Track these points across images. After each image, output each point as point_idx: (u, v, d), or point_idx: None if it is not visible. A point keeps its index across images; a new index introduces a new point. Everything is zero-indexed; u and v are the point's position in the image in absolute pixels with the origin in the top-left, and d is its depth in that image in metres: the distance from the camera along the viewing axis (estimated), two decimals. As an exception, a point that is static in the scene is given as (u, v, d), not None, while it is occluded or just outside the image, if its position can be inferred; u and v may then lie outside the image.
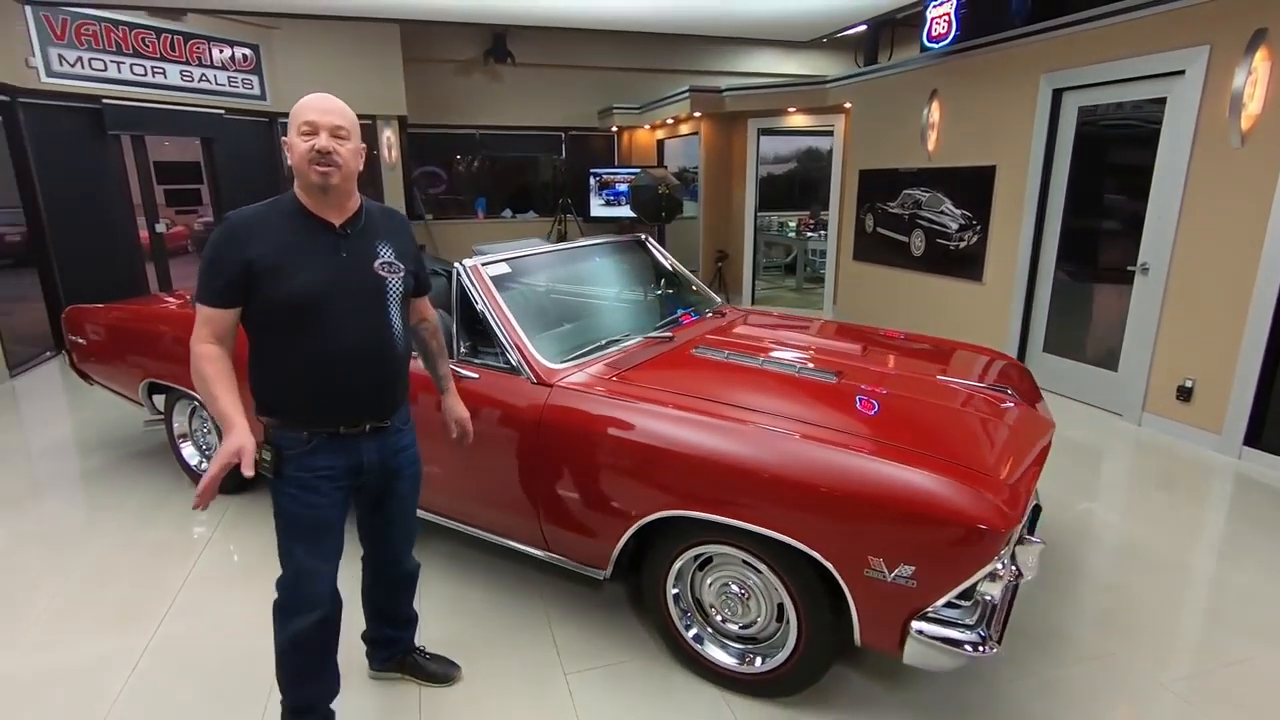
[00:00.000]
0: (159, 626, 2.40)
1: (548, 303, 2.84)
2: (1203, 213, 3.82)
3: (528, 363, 2.28)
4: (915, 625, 1.70)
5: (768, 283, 10.05)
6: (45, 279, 5.98)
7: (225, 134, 7.17)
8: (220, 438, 1.82)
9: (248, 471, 1.48)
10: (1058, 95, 4.66)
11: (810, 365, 2.40)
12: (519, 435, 2.23)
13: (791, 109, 7.36)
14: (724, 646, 2.11)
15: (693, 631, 2.13)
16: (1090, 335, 4.68)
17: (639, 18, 6.25)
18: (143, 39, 6.36)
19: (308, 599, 1.71)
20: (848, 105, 6.83)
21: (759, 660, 2.04)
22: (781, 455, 1.82)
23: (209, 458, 3.41)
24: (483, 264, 2.48)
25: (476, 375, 2.35)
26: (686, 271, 3.44)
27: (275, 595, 1.72)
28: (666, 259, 3.43)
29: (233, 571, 2.76)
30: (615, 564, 2.18)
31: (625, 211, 8.73)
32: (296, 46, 7.56)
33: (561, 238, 9.55)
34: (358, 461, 1.72)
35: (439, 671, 2.12)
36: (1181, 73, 3.88)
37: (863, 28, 6.51)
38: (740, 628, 2.07)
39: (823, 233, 8.35)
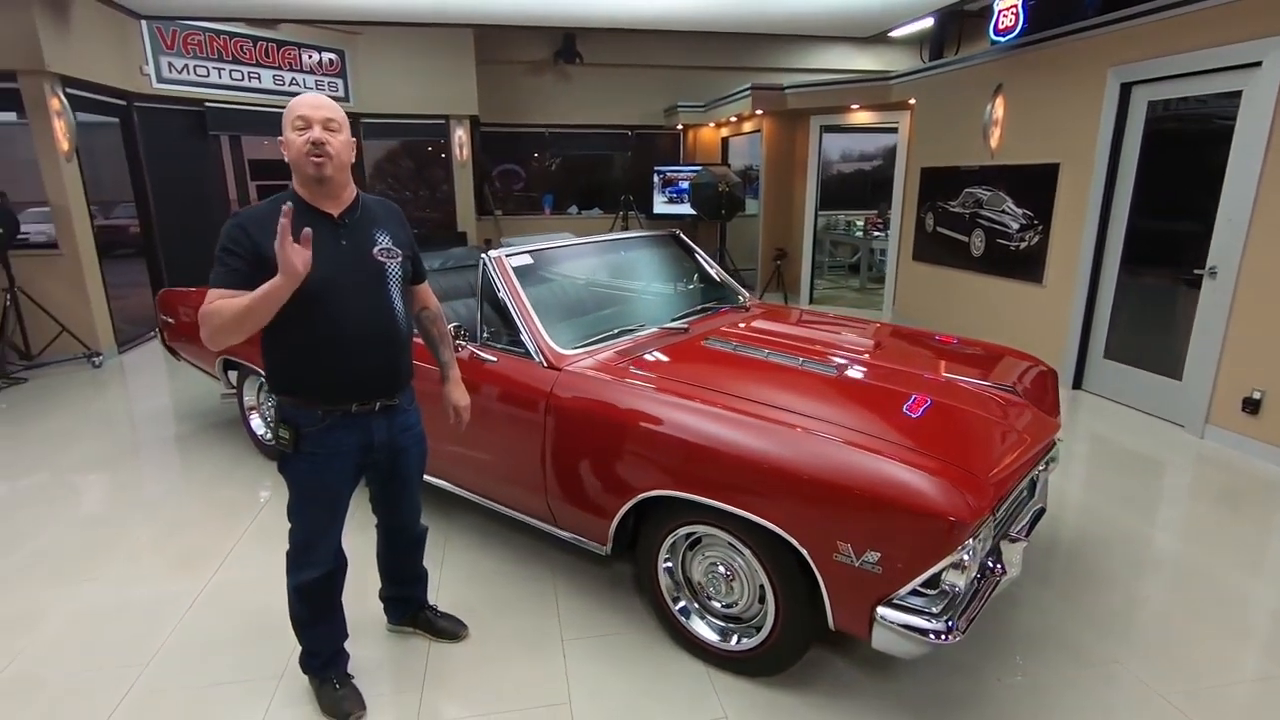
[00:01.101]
0: (214, 574, 2.70)
1: (569, 293, 2.99)
2: (1277, 215, 3.59)
3: (540, 348, 2.43)
4: (880, 611, 1.75)
5: (831, 282, 9.92)
6: (151, 265, 6.63)
7: (312, 134, 7.69)
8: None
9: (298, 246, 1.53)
10: (1126, 89, 4.44)
11: (813, 358, 2.45)
12: (530, 416, 2.38)
13: (855, 105, 7.26)
14: (709, 622, 2.19)
15: (680, 604, 2.23)
16: (1153, 342, 4.45)
17: (703, 17, 6.32)
18: (241, 46, 6.92)
19: (313, 559, 1.89)
20: (912, 101, 6.68)
21: (739, 638, 2.12)
22: (755, 440, 1.90)
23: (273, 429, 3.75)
24: (506, 255, 2.65)
25: (495, 359, 2.53)
26: (717, 267, 3.53)
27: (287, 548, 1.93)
28: (697, 254, 3.52)
29: (283, 530, 3.03)
30: (616, 541, 2.31)
31: (688, 209, 8.82)
32: (377, 51, 8.02)
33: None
34: (369, 439, 1.85)
35: (447, 629, 2.31)
36: (1258, 64, 3.64)
37: (928, 22, 6.36)
38: (723, 606, 2.16)
39: (888, 232, 8.19)
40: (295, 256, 1.54)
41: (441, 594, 2.55)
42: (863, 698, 2.06)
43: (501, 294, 2.54)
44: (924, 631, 1.70)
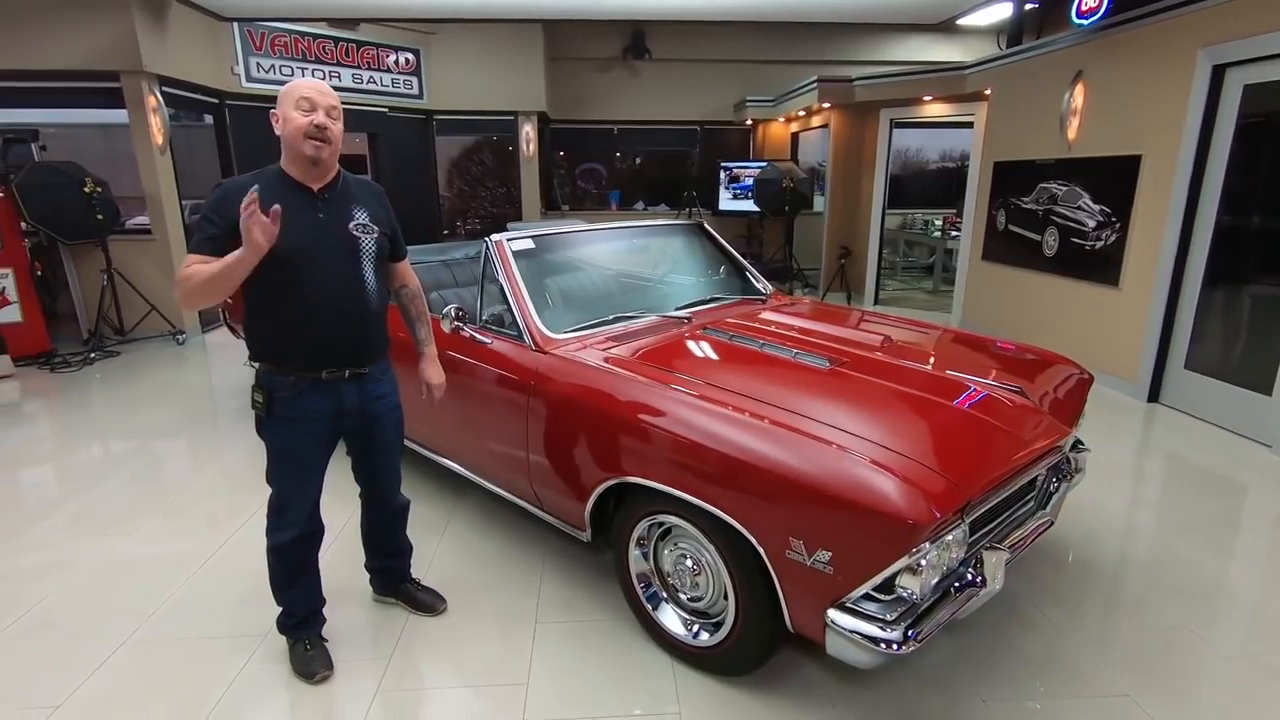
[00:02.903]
0: (233, 534, 2.87)
1: (574, 279, 2.98)
2: (1386, 209, 3.15)
3: (529, 330, 2.44)
4: (831, 614, 1.65)
5: (904, 283, 9.51)
6: (237, 252, 7.12)
7: (388, 129, 8.07)
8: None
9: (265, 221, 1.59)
10: (1218, 72, 4.01)
11: (810, 351, 2.34)
12: (516, 397, 2.40)
13: (927, 97, 6.91)
14: (676, 614, 2.14)
15: (649, 592, 2.19)
16: (1241, 353, 4.01)
17: (771, 8, 6.19)
18: (323, 47, 7.33)
19: (287, 520, 1.97)
20: (988, 92, 6.30)
21: (701, 632, 2.05)
22: (708, 427, 1.85)
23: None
24: (507, 239, 2.67)
25: (489, 340, 2.56)
26: (739, 258, 3.44)
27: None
28: (720, 245, 3.45)
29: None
30: (596, 527, 2.29)
31: (753, 205, 8.66)
32: (450, 49, 8.30)
33: (689, 230, 9.66)
34: (339, 405, 1.93)
35: (426, 601, 2.35)
36: (1371, 40, 3.21)
37: (1006, 10, 5.98)
38: (689, 599, 2.10)
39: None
40: (257, 229, 1.60)
41: (433, 568, 2.61)
42: (829, 706, 1.95)
43: (499, 277, 2.57)
44: (875, 639, 1.59)
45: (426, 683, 2.04)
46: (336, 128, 1.82)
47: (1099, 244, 4.90)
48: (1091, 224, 4.96)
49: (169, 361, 5.59)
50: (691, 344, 2.46)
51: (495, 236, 2.67)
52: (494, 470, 2.67)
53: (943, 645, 2.19)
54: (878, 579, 1.59)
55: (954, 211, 8.83)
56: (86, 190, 5.38)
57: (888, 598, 1.64)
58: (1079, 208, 5.07)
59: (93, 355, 5.50)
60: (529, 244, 2.72)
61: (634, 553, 2.19)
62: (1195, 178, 4.17)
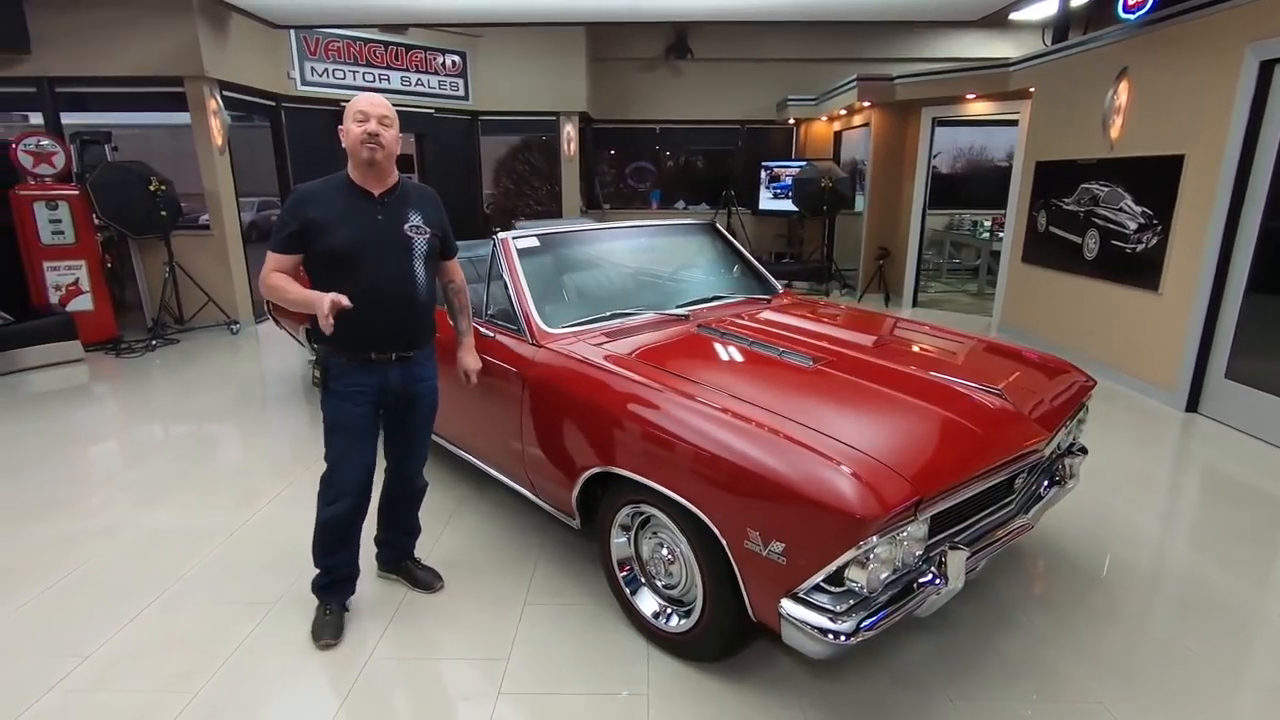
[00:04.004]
0: (260, 510, 3.08)
1: (577, 276, 3.07)
2: None
3: (527, 324, 2.55)
4: (784, 604, 1.70)
5: (951, 285, 9.30)
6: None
7: (435, 130, 8.35)
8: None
9: (345, 302, 1.88)
10: (1266, 68, 3.84)
11: (798, 350, 2.37)
12: (512, 389, 2.51)
13: (970, 95, 6.77)
14: (654, 600, 2.21)
15: (630, 576, 2.27)
16: (1285, 362, 3.83)
17: (812, 6, 6.15)
18: (374, 51, 7.64)
19: (340, 487, 2.15)
20: (1032, 90, 6.12)
21: (676, 619, 2.12)
22: (674, 418, 1.92)
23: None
24: (513, 237, 2.79)
25: (493, 334, 2.68)
26: (752, 260, 3.48)
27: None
28: (732, 245, 3.50)
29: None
30: (585, 515, 2.38)
31: (793, 205, 8.62)
32: (495, 51, 8.53)
33: (730, 230, 9.67)
34: (384, 382, 2.15)
35: (423, 579, 2.49)
36: None
37: (1052, 7, 5.81)
38: (664, 585, 2.17)
39: (1008, 233, 7.54)
40: (326, 309, 1.86)
41: (436, 548, 2.75)
42: (797, 697, 1.99)
43: (503, 273, 2.69)
44: (823, 630, 1.64)
45: (415, 653, 2.18)
46: (389, 134, 2.03)
47: (1139, 247, 4.73)
48: (1133, 226, 4.79)
49: (223, 349, 5.95)
50: (682, 341, 2.53)
51: (502, 234, 2.79)
52: (496, 458, 2.80)
53: (921, 644, 2.21)
54: (826, 571, 1.63)
55: (1002, 212, 8.58)
56: (151, 189, 5.77)
57: (838, 590, 1.69)
58: (1120, 209, 4.91)
59: (154, 342, 5.90)
60: (534, 242, 2.83)
61: (616, 539, 2.28)
62: (1240, 179, 3.99)
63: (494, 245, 2.77)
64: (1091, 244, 5.22)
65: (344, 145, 2.04)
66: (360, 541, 2.30)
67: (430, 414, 2.33)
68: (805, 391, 2.09)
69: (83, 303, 5.77)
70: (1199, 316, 4.24)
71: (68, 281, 5.71)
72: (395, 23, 7.37)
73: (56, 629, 2.29)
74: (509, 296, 2.64)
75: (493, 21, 7.43)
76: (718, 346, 2.47)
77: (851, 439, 1.77)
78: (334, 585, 2.28)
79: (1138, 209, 4.75)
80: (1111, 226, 5.01)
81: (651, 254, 3.38)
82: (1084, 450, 2.60)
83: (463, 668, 2.12)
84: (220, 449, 3.86)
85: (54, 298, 5.67)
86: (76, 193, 5.66)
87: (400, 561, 2.54)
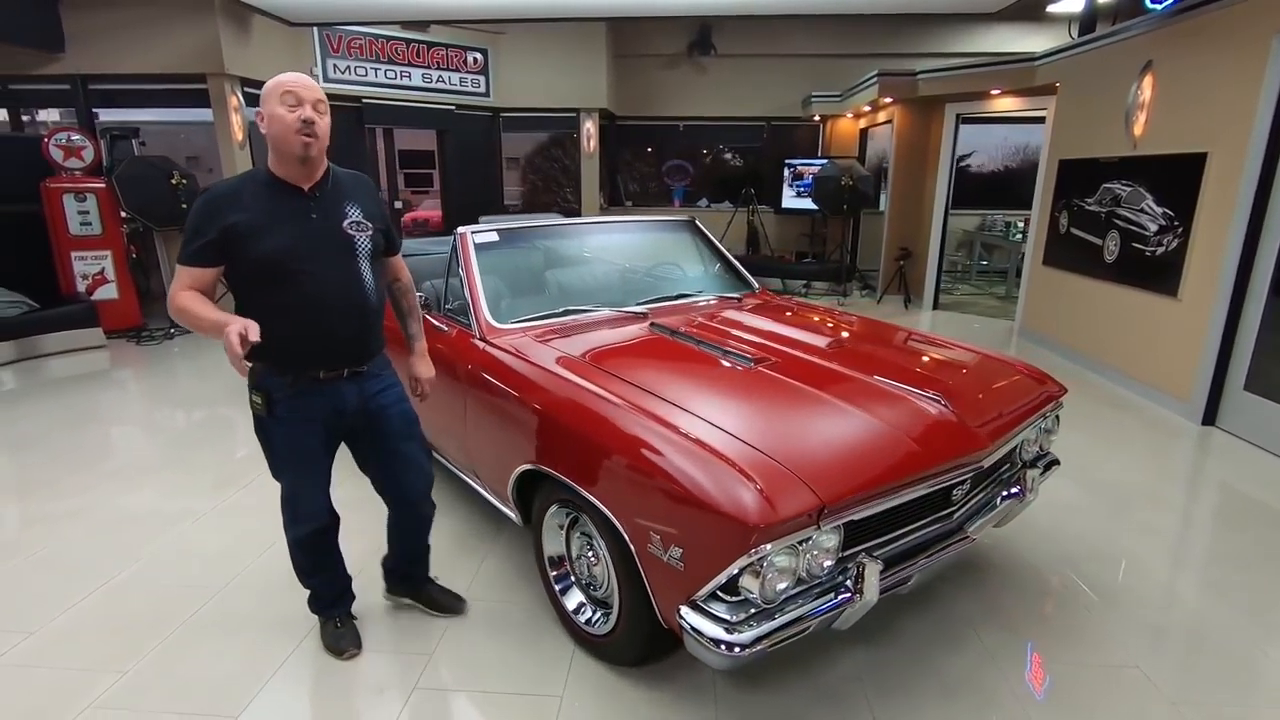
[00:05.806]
0: (231, 496, 3.15)
1: (538, 272, 3.03)
2: None
3: (476, 319, 2.54)
4: (682, 611, 1.65)
5: (978, 288, 9.00)
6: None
7: (455, 126, 8.44)
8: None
9: (253, 337, 1.54)
10: (1294, 61, 3.59)
11: (743, 352, 2.30)
12: (458, 384, 2.50)
13: (995, 90, 6.52)
14: (580, 600, 2.17)
15: (558, 571, 2.24)
16: (1307, 375, 3.57)
17: (835, 1, 6.02)
18: (395, 48, 7.75)
19: (299, 514, 1.98)
20: (1059, 85, 5.86)
21: (597, 620, 2.08)
22: (593, 419, 1.89)
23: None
24: (472, 231, 2.78)
25: (448, 329, 2.68)
26: (730, 258, 3.41)
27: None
28: (710, 244, 3.43)
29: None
30: (524, 512, 2.36)
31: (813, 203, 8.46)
32: (516, 48, 8.57)
33: (751, 228, 9.54)
34: (340, 405, 1.88)
35: (443, 602, 2.31)
36: None
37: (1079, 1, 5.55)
38: (587, 585, 2.13)
39: (1035, 234, 7.26)
40: (234, 338, 1.52)
41: (381, 539, 2.75)
42: (710, 706, 1.93)
43: (459, 268, 2.68)
44: (715, 640, 1.58)
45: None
46: (324, 122, 1.75)
47: (1159, 250, 4.49)
48: (1153, 228, 4.55)
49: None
50: (630, 340, 2.48)
51: (462, 229, 2.79)
52: (450, 451, 2.79)
53: (856, 658, 2.12)
54: (719, 579, 1.57)
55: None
56: (174, 183, 5.97)
57: (734, 599, 1.62)
58: (1142, 210, 4.66)
59: (173, 331, 6.10)
60: (493, 237, 2.82)
61: (548, 536, 2.25)
62: (1264, 178, 3.75)
63: (454, 239, 2.77)
64: (1112, 246, 4.97)
65: (264, 133, 1.73)
66: (341, 557, 2.14)
67: (406, 425, 2.03)
68: (734, 393, 2.03)
69: (108, 291, 6.01)
70: (1218, 325, 4.00)
71: (94, 271, 5.96)
72: (409, 20, 7.46)
73: (8, 605, 2.37)
74: (462, 291, 2.63)
75: (514, 18, 7.47)
76: (663, 346, 2.42)
77: (764, 443, 1.71)
78: (329, 601, 2.16)
79: (1159, 210, 4.50)
80: (1133, 228, 4.76)
81: (623, 251, 3.33)
82: (1056, 462, 2.47)
83: (387, 661, 2.12)
84: (213, 435, 3.96)
85: (81, 286, 5.91)
86: (103, 186, 5.89)
87: (418, 588, 2.33)
